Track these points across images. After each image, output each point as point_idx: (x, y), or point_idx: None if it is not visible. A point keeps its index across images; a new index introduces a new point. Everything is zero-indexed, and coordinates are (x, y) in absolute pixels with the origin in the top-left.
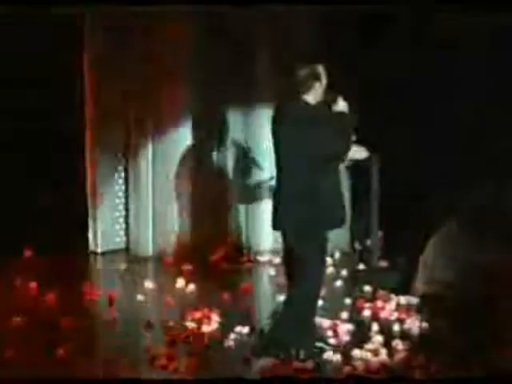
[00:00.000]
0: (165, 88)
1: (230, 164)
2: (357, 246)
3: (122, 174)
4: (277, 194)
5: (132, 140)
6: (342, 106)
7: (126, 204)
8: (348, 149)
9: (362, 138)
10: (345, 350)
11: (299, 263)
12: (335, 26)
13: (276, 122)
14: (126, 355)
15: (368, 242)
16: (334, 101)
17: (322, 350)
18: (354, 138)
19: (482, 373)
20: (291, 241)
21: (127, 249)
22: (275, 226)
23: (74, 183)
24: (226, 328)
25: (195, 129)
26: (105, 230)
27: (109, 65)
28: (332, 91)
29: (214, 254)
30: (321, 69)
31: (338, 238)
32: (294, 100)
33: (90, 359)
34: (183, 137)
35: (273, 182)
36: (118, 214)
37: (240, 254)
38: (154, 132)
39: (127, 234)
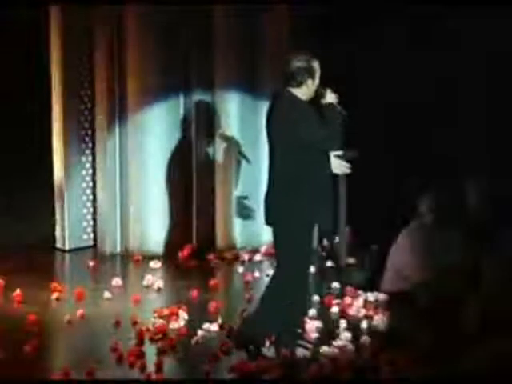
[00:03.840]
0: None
1: (203, 158)
2: (325, 243)
3: (90, 171)
4: (269, 189)
5: (98, 136)
6: (330, 98)
7: (94, 201)
8: (339, 140)
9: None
10: (313, 348)
11: (287, 259)
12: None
13: (269, 117)
14: (94, 353)
15: (336, 239)
16: (323, 94)
17: (304, 347)
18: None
19: (448, 371)
20: (281, 235)
21: (95, 246)
22: (267, 221)
23: (40, 179)
24: (193, 325)
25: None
26: (72, 227)
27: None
28: (321, 85)
29: (182, 251)
30: (316, 65)
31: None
32: (286, 94)
33: (57, 357)
34: (153, 132)
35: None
36: (85, 210)
37: (208, 251)
38: (121, 129)
39: (94, 231)
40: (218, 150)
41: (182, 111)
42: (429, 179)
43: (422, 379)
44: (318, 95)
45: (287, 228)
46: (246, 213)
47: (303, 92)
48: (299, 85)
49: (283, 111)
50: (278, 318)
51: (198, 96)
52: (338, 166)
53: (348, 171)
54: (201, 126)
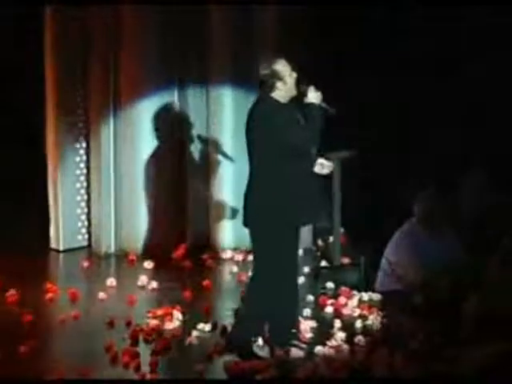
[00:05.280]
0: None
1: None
2: (319, 242)
3: (84, 171)
4: (248, 191)
5: (92, 136)
6: (312, 97)
7: (88, 201)
8: (317, 139)
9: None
10: (308, 347)
11: (264, 260)
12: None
13: (248, 120)
14: (89, 353)
15: (330, 239)
16: (305, 93)
17: (298, 347)
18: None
19: (442, 370)
20: (260, 237)
21: (89, 246)
22: (244, 222)
23: (35, 180)
24: (188, 325)
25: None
26: (67, 228)
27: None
28: (303, 83)
29: (176, 251)
30: (282, 67)
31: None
32: (264, 98)
33: (51, 358)
34: (147, 132)
35: None
36: (79, 211)
37: (202, 252)
38: (115, 129)
39: (89, 232)
40: (212, 150)
41: (176, 110)
42: (423, 180)
43: (416, 379)
44: (301, 94)
45: (265, 229)
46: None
47: (279, 95)
48: (271, 89)
49: (261, 115)
50: (264, 318)
51: (191, 93)
52: (321, 165)
53: (329, 171)
54: (194, 124)
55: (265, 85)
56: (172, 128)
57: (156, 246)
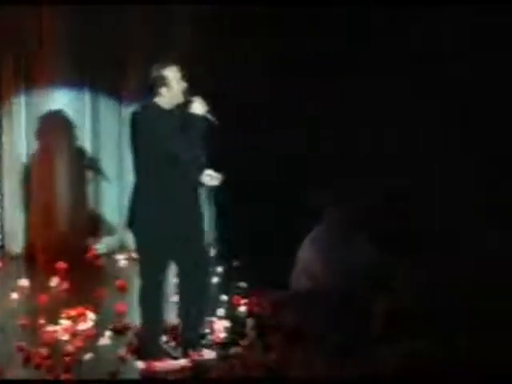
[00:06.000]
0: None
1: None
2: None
3: None
4: (133, 195)
5: (4, 139)
6: (197, 107)
7: (2, 201)
8: (190, 152)
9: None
10: (221, 347)
11: (144, 265)
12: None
13: (131, 125)
14: (0, 354)
15: None
16: (190, 104)
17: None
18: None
19: (356, 371)
20: (143, 240)
21: (2, 247)
22: (129, 225)
23: None
24: (101, 326)
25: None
26: None
27: None
28: (190, 93)
29: (89, 251)
30: (171, 73)
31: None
32: (148, 103)
33: None
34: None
35: None
36: None
37: (116, 252)
38: (27, 131)
39: (2, 232)
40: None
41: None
42: (335, 181)
43: (331, 377)
44: (186, 103)
45: (145, 235)
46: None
47: (163, 101)
48: (155, 94)
49: (143, 120)
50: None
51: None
52: (209, 177)
53: (218, 183)
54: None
55: (151, 88)
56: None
57: (69, 246)
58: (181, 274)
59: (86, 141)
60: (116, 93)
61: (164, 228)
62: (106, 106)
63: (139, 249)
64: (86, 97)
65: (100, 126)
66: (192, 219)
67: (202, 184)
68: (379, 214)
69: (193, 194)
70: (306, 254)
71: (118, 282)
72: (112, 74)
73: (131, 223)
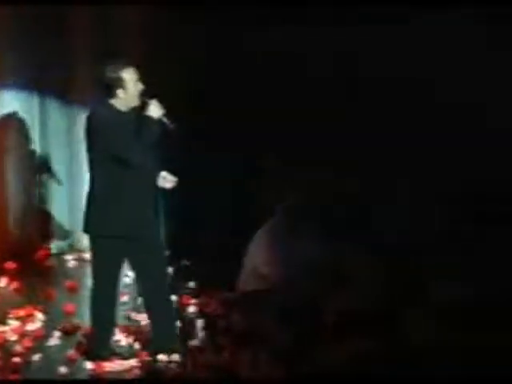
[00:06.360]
0: None
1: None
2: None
3: None
4: (88, 198)
5: None
6: (153, 110)
7: None
8: (144, 155)
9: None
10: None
11: (97, 269)
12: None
13: (86, 125)
14: None
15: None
16: (146, 106)
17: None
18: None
19: (306, 369)
20: (97, 242)
21: None
22: (85, 229)
23: None
24: (49, 326)
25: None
26: None
27: None
28: (146, 96)
29: (38, 251)
30: (127, 75)
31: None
32: (103, 104)
33: None
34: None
35: None
36: None
37: (65, 252)
38: None
39: None
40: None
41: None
42: (283, 178)
43: (280, 378)
44: (142, 106)
45: (100, 236)
46: None
47: (119, 102)
48: (111, 95)
49: (97, 121)
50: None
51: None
52: (164, 179)
53: (173, 185)
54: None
55: (106, 90)
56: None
57: (18, 246)
58: (138, 275)
59: (35, 142)
60: (64, 93)
61: (118, 229)
62: (55, 106)
63: (93, 250)
64: (35, 98)
65: (49, 127)
66: (146, 219)
67: (156, 186)
68: (331, 211)
69: (147, 195)
70: (255, 252)
71: (68, 283)
72: (60, 74)
73: (86, 225)
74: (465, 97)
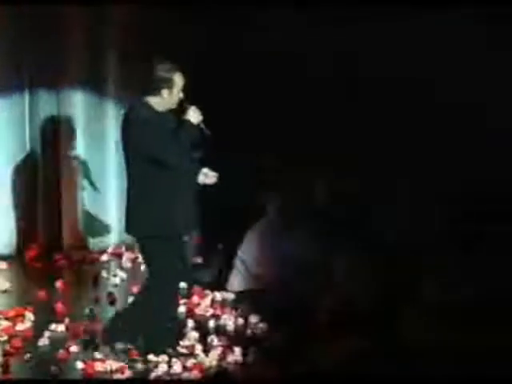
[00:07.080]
0: None
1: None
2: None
3: None
4: (128, 198)
5: None
6: (192, 116)
7: None
8: (179, 161)
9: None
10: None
11: (154, 271)
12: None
13: (122, 126)
14: None
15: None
16: (186, 110)
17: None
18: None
19: (299, 369)
20: (142, 243)
21: None
22: (127, 230)
23: None
24: (40, 327)
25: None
26: None
27: None
28: (186, 100)
29: (28, 251)
30: (175, 77)
31: None
32: (140, 105)
33: None
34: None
35: None
36: None
37: (55, 253)
38: None
39: None
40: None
41: (27, 115)
42: (275, 177)
43: (273, 379)
44: (182, 110)
45: (147, 240)
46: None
47: (158, 102)
48: (154, 93)
49: (136, 123)
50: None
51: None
52: (205, 175)
53: (213, 181)
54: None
55: (148, 87)
56: (22, 132)
57: (8, 246)
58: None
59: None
60: (55, 93)
61: (158, 229)
62: (44, 107)
63: (144, 253)
64: (25, 100)
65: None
66: (186, 219)
67: (196, 183)
68: (325, 210)
69: (185, 195)
70: (246, 252)
71: (59, 283)
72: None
73: (128, 226)
74: (465, 97)
